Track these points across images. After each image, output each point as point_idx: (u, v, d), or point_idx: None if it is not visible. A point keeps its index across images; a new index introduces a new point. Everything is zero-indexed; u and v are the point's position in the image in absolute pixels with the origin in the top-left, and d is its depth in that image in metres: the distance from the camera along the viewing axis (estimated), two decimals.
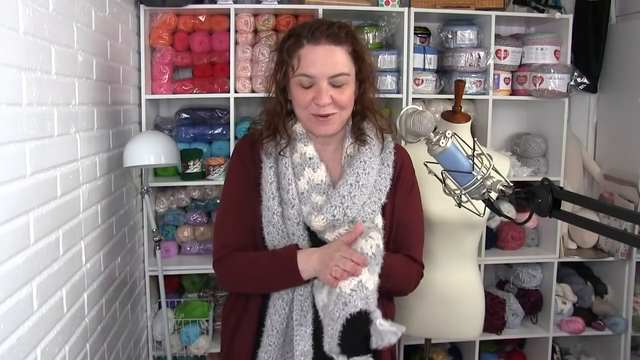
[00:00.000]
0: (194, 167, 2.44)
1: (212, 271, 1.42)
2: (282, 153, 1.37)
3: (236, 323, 1.42)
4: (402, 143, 2.29)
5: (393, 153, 1.43)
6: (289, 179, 1.36)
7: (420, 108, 1.19)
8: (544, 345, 2.82)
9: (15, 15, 1.17)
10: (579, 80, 2.60)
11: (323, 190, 1.36)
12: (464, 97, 2.05)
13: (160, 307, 2.44)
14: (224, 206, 1.44)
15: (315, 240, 1.37)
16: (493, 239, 2.79)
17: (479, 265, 2.51)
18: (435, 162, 1.12)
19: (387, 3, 2.51)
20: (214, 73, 2.49)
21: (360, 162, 1.36)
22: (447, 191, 1.12)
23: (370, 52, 1.37)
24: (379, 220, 1.38)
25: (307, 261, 1.29)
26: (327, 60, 1.28)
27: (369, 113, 1.40)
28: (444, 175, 1.11)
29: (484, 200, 1.09)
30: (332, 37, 1.29)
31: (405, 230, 1.44)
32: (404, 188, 1.44)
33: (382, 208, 1.39)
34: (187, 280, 2.63)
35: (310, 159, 1.37)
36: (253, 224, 1.38)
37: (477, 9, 2.57)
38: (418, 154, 1.41)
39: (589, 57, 2.87)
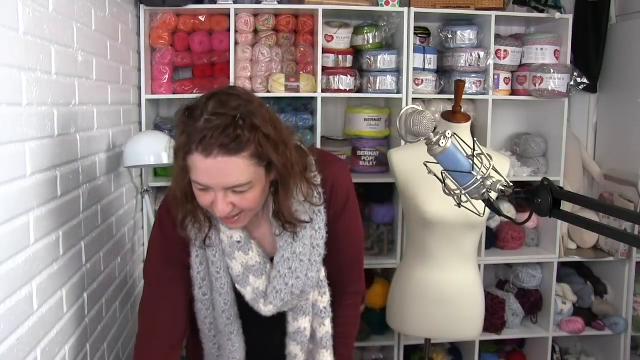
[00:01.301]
0: None
1: None
2: (206, 243, 1.24)
3: None
4: (402, 143, 2.29)
5: (322, 193, 1.25)
6: (217, 267, 1.26)
7: (420, 108, 1.18)
8: (544, 345, 2.82)
9: (15, 15, 1.16)
10: (579, 80, 2.60)
11: (261, 271, 1.26)
12: (464, 97, 2.05)
13: None
14: (145, 289, 1.34)
15: (248, 324, 1.33)
16: (493, 239, 2.79)
17: (479, 265, 2.51)
18: (435, 162, 1.11)
19: (387, 3, 2.51)
20: (214, 73, 2.49)
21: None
22: (447, 191, 1.12)
23: (284, 137, 1.13)
24: (322, 272, 1.32)
25: None
26: (220, 173, 1.06)
27: (285, 210, 1.18)
28: (443, 175, 1.11)
29: (484, 200, 1.09)
30: (227, 147, 1.03)
31: (340, 258, 1.34)
32: (334, 210, 1.30)
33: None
34: None
35: (238, 242, 1.24)
36: (182, 305, 1.32)
37: (477, 9, 2.57)
38: (418, 154, 1.41)
39: (589, 57, 2.86)
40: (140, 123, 2.39)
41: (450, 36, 2.59)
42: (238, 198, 1.10)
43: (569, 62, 2.63)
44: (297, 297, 1.28)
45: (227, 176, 1.06)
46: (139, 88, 2.39)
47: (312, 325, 1.35)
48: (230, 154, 1.04)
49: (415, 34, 2.54)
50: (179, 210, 1.20)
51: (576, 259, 2.85)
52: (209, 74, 2.50)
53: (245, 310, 1.31)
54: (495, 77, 2.63)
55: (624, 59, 2.81)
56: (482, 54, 2.54)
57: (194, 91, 2.46)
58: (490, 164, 1.08)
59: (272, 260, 1.28)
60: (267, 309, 1.27)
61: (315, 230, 1.27)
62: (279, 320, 1.33)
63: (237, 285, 1.27)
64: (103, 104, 1.83)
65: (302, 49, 2.54)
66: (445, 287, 1.92)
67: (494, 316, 2.65)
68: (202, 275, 1.29)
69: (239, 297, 1.30)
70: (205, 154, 1.04)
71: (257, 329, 1.34)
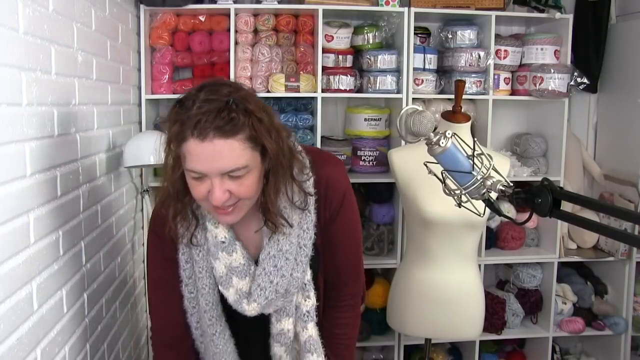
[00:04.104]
0: None
1: None
2: (193, 242, 1.24)
3: None
4: (402, 143, 2.29)
5: (314, 193, 1.24)
6: (200, 267, 1.27)
7: (420, 108, 1.19)
8: (544, 345, 2.82)
9: (15, 15, 1.16)
10: (579, 80, 2.60)
11: (244, 273, 1.24)
12: (464, 97, 2.05)
13: None
14: (149, 291, 1.37)
15: (232, 326, 1.33)
16: (493, 239, 2.79)
17: (479, 265, 2.51)
18: (435, 162, 1.11)
19: (387, 3, 2.51)
20: (214, 73, 2.50)
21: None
22: (447, 191, 1.12)
23: (279, 130, 1.14)
24: (308, 275, 1.29)
25: None
26: (217, 157, 1.05)
27: (272, 204, 1.17)
28: (444, 175, 1.11)
29: (484, 200, 1.09)
30: (222, 130, 1.03)
31: (337, 259, 1.34)
32: (328, 211, 1.28)
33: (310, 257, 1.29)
34: None
35: (222, 242, 1.23)
36: (179, 307, 1.33)
37: (477, 9, 2.57)
38: (418, 153, 1.41)
39: (589, 57, 2.86)
40: (140, 123, 2.39)
41: (450, 36, 2.59)
42: (235, 184, 1.09)
43: (569, 62, 2.63)
44: (282, 296, 1.26)
45: (223, 159, 1.05)
46: (139, 88, 2.39)
47: (295, 328, 1.33)
48: (226, 136, 1.04)
49: (415, 34, 2.54)
50: (170, 207, 1.19)
51: (576, 259, 2.85)
52: (209, 74, 2.50)
53: (230, 312, 1.31)
54: (495, 77, 2.63)
55: (624, 59, 2.81)
56: (482, 54, 2.54)
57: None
58: (490, 164, 1.08)
59: (256, 262, 1.27)
60: (250, 308, 1.25)
61: (303, 230, 1.25)
62: (264, 322, 1.32)
63: (220, 287, 1.27)
64: (103, 104, 1.83)
65: (302, 49, 2.54)
66: (446, 287, 1.92)
67: (494, 316, 2.65)
68: (187, 273, 1.29)
69: (224, 299, 1.30)
70: (201, 138, 1.03)
71: (241, 330, 1.34)
